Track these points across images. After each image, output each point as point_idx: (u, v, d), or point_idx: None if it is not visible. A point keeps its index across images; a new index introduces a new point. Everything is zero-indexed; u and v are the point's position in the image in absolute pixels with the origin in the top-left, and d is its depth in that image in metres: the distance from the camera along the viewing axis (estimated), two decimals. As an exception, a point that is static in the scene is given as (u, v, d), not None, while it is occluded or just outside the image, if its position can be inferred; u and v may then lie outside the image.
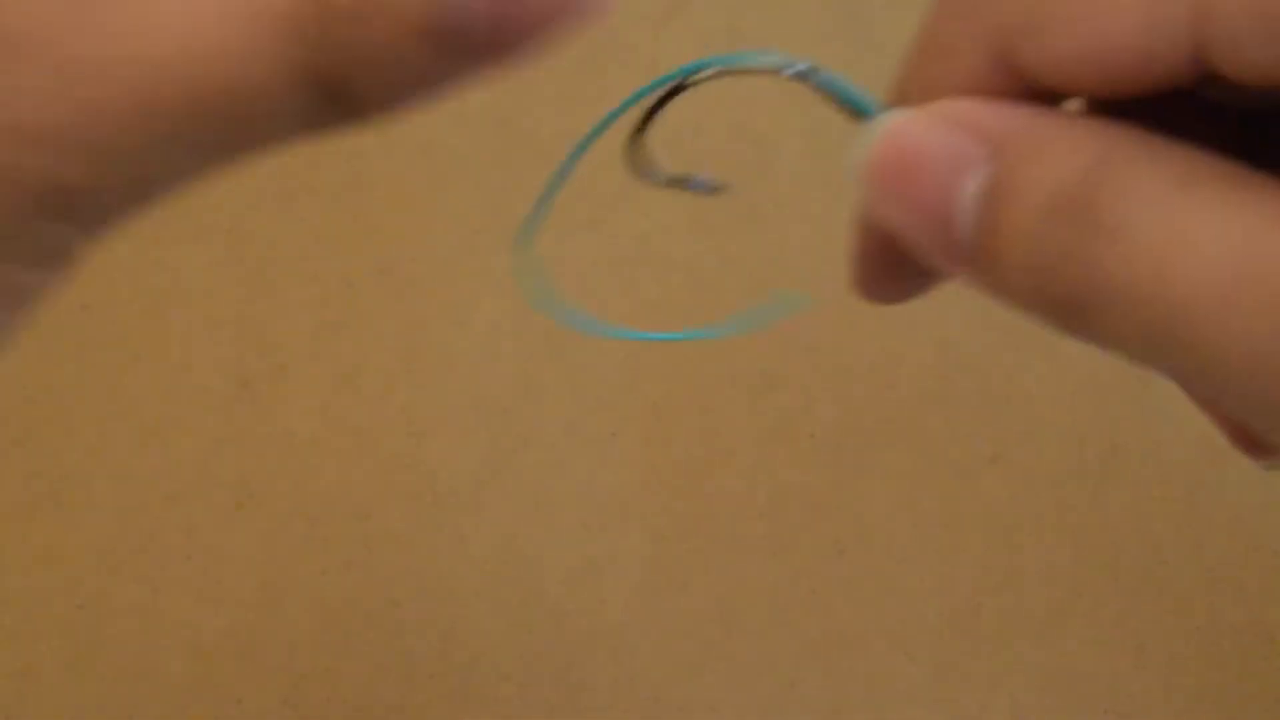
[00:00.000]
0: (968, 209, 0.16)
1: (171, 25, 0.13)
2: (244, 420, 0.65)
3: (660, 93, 0.22)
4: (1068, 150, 0.15)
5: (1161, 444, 0.72)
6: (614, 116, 0.22)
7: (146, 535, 0.61)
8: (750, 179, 0.74)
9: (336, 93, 0.14)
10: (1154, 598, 0.68)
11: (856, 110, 0.19)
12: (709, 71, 0.21)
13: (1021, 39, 0.16)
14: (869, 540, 0.67)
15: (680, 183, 0.23)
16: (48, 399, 0.64)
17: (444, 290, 0.71)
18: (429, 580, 0.63)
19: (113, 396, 0.64)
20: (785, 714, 0.61)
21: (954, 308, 0.72)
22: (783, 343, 0.70)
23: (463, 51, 0.13)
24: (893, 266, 0.19)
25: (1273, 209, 0.13)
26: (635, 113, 0.22)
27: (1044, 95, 0.17)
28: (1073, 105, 0.18)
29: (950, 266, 0.17)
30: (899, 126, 0.17)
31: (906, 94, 0.18)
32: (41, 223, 0.14)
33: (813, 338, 0.70)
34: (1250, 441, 0.20)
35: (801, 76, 0.20)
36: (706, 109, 0.75)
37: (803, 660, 0.62)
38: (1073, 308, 0.15)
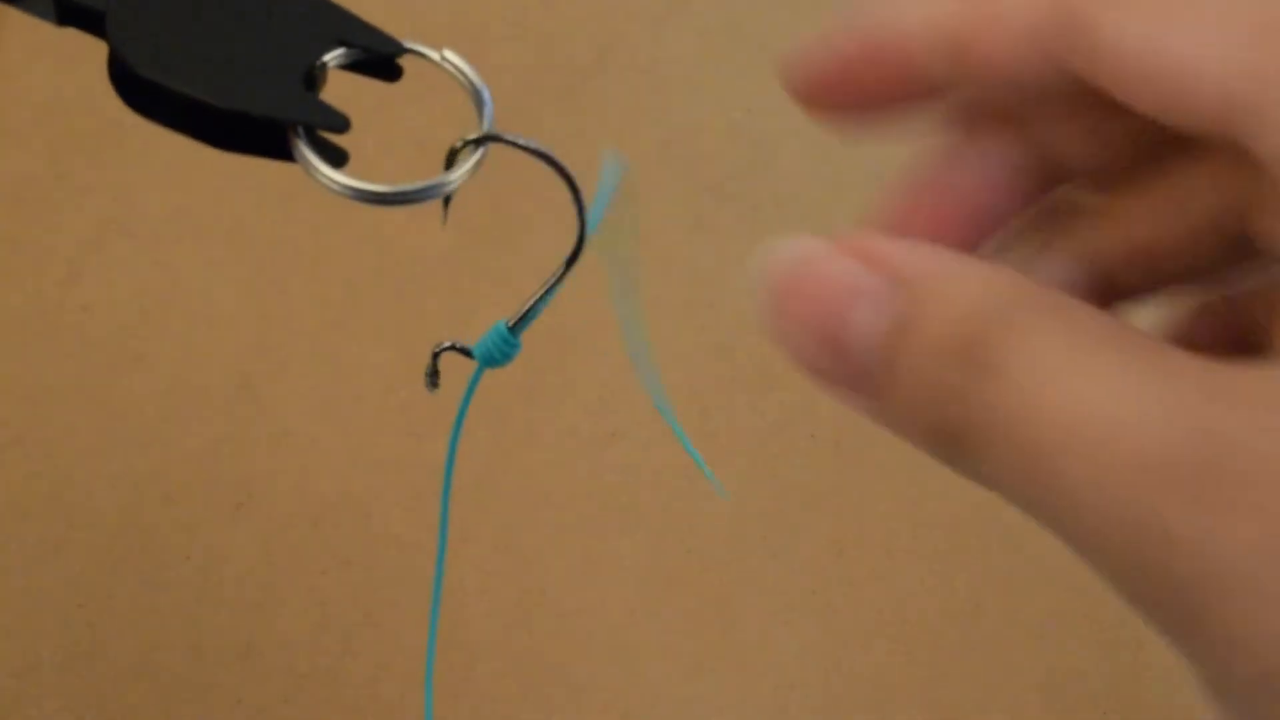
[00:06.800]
0: (868, 340, 0.17)
1: None
2: (244, 420, 0.65)
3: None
4: (971, 293, 0.16)
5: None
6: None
7: (146, 535, 0.61)
8: (750, 179, 0.74)
9: None
10: (1154, 598, 0.68)
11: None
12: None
13: None
14: (869, 540, 0.67)
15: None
16: (48, 399, 0.64)
17: (444, 290, 0.71)
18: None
19: (113, 396, 0.64)
20: (785, 714, 0.61)
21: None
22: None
23: None
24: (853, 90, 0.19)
25: (1149, 375, 0.14)
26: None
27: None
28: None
29: (845, 393, 0.18)
30: (801, 250, 0.18)
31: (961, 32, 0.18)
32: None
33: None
34: None
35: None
36: (707, 108, 0.75)
37: (803, 660, 0.62)
38: (952, 442, 0.16)
